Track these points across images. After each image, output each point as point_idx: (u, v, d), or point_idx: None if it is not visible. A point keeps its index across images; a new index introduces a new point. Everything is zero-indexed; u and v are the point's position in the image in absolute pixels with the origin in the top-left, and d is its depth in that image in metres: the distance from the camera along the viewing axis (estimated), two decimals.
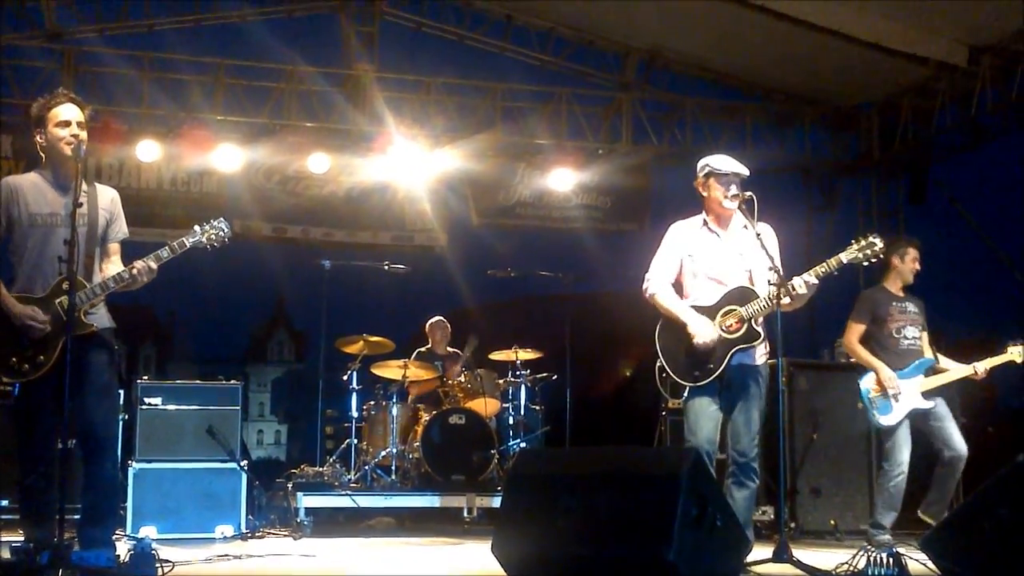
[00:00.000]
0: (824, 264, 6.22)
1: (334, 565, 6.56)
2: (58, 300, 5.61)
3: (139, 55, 12.13)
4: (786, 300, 6.13)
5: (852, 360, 8.16)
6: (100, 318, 5.80)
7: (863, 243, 6.26)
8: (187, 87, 12.21)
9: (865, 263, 6.31)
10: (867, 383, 7.86)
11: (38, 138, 5.80)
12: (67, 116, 5.76)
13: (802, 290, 6.13)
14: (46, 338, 5.60)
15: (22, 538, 5.66)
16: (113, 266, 5.83)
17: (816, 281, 6.18)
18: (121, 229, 5.96)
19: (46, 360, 5.58)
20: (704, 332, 6.17)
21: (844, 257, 6.24)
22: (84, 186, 5.77)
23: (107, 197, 5.86)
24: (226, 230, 5.92)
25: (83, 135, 5.76)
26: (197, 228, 5.85)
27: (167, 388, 8.98)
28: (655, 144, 13.24)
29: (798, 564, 5.64)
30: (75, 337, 5.49)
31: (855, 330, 7.98)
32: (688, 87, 13.71)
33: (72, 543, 4.89)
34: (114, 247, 5.91)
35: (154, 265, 5.73)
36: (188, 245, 5.81)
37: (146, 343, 78.39)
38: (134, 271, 5.69)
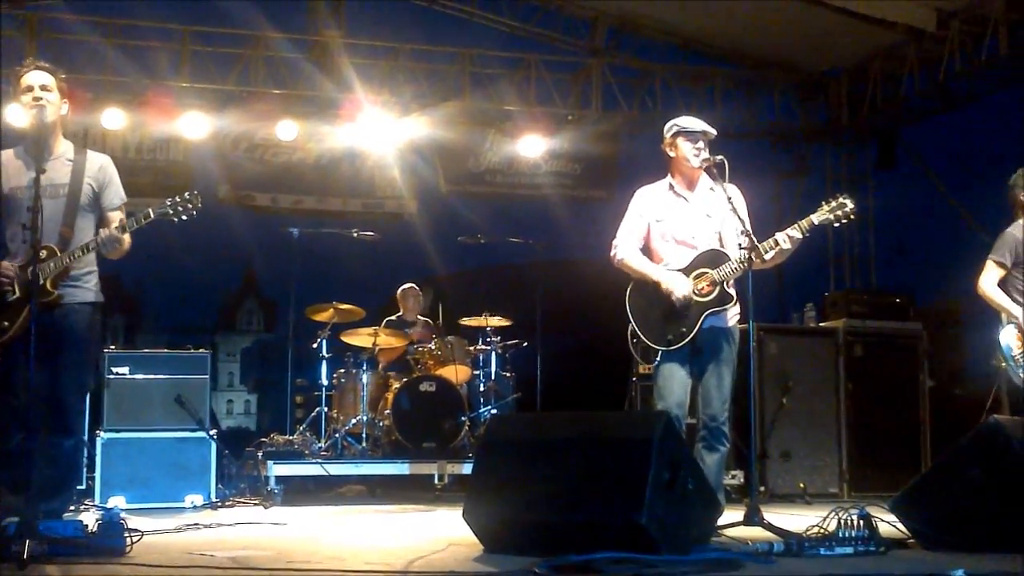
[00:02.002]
0: (796, 225, 6.21)
1: (305, 533, 6.54)
2: (30, 269, 5.57)
3: (104, 21, 11.95)
4: (769, 255, 6.13)
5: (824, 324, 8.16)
6: (81, 292, 5.75)
7: (834, 204, 6.25)
8: (153, 54, 12.06)
9: (836, 224, 6.30)
10: (1008, 337, 7.01)
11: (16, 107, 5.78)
12: (30, 81, 5.75)
13: (786, 245, 6.14)
14: (12, 305, 5.56)
15: None
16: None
17: (800, 236, 6.18)
18: (116, 195, 5.92)
19: (10, 326, 5.56)
20: (680, 286, 6.16)
21: (815, 218, 6.22)
22: (71, 154, 5.75)
23: (95, 164, 5.82)
24: (196, 203, 5.89)
25: (49, 98, 5.71)
26: (167, 201, 5.83)
27: (135, 357, 8.91)
28: (625, 110, 13.19)
29: (769, 527, 5.65)
30: (41, 305, 5.45)
31: (993, 272, 7.17)
32: (658, 53, 13.66)
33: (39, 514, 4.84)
34: (114, 215, 5.87)
35: (117, 234, 5.69)
36: (153, 216, 5.79)
37: (114, 313, 77.86)
38: (98, 240, 5.66)
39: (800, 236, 6.20)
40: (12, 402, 5.72)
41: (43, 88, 5.72)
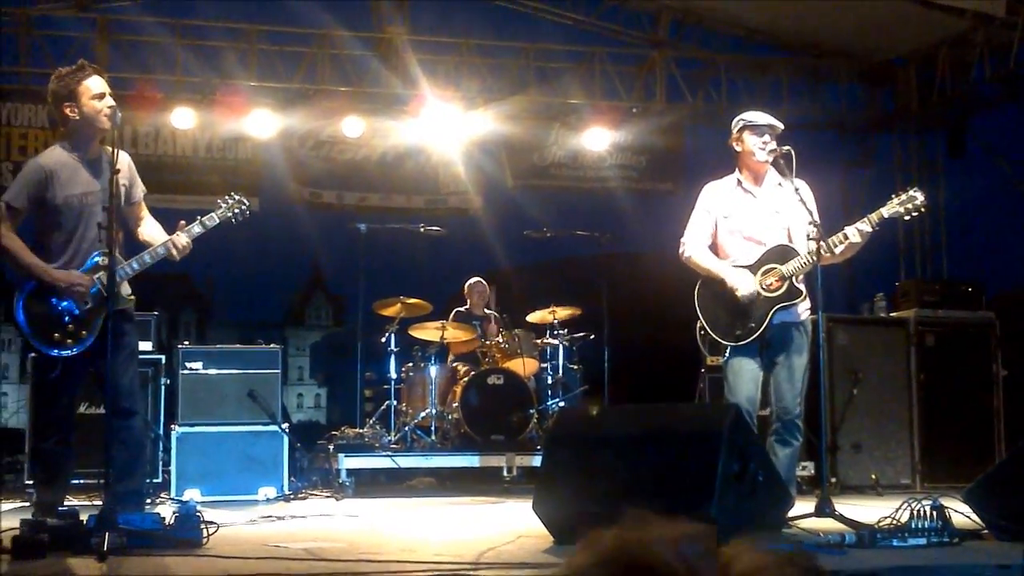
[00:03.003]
0: (866, 219, 6.17)
1: (376, 525, 6.61)
2: (97, 276, 5.70)
3: (172, 22, 12.14)
4: (839, 249, 6.11)
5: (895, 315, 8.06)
6: (125, 286, 5.92)
7: (903, 197, 6.19)
8: (221, 53, 12.23)
9: (906, 217, 6.25)
10: None
11: (68, 112, 5.82)
12: (101, 88, 5.82)
13: (855, 239, 6.11)
14: (87, 314, 5.68)
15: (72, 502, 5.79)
16: (148, 225, 5.97)
17: (870, 229, 6.14)
18: (140, 189, 6.07)
19: (88, 335, 5.69)
20: (745, 284, 6.16)
21: (885, 211, 6.17)
22: (107, 157, 5.84)
23: (124, 163, 5.91)
24: (247, 203, 6.05)
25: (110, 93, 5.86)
26: (222, 203, 5.96)
27: (208, 353, 9.05)
28: (689, 102, 13.15)
29: (840, 518, 5.63)
30: (114, 311, 5.58)
31: None
32: (721, 44, 13.58)
33: (116, 507, 4.94)
34: (140, 208, 6.02)
35: (188, 240, 5.84)
36: (218, 220, 5.95)
37: (185, 310, 79.04)
38: (173, 249, 5.79)
39: (870, 230, 6.15)
40: (53, 406, 5.88)
41: (104, 98, 5.82)
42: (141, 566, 4.40)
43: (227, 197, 6.03)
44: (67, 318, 5.68)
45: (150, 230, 6.03)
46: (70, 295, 5.66)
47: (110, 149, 5.57)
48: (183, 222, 5.92)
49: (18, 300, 5.68)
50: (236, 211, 6.01)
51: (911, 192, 6.19)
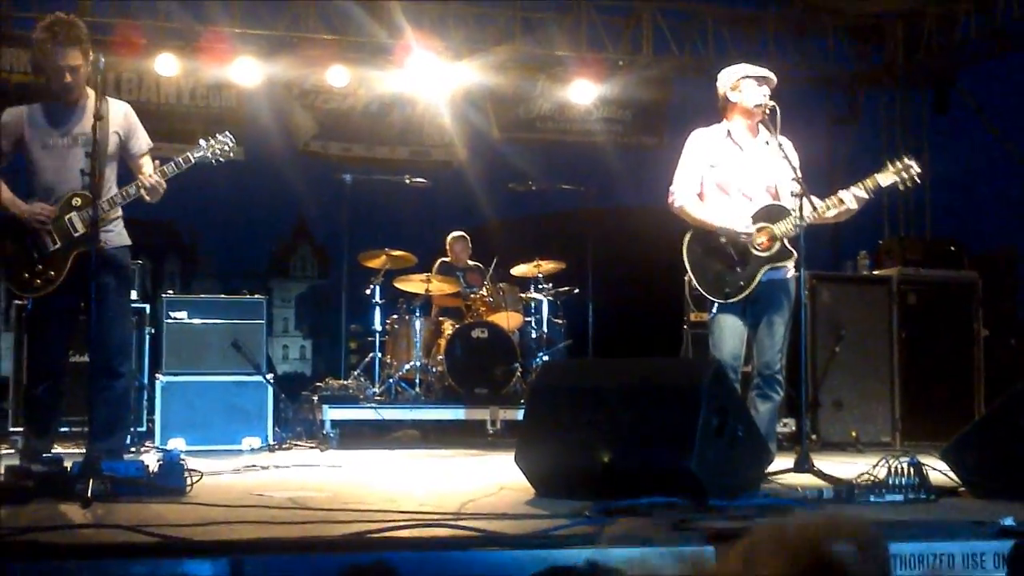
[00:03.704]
0: (861, 184, 6.20)
1: (360, 476, 6.65)
2: (67, 216, 5.71)
3: None
4: (831, 212, 6.15)
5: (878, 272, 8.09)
6: (115, 236, 5.89)
7: (900, 165, 6.20)
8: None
9: (901, 187, 6.27)
10: None
11: (43, 61, 5.84)
12: (63, 63, 5.78)
13: (852, 205, 6.15)
14: (56, 253, 5.71)
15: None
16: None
17: (866, 196, 6.18)
18: (144, 141, 6.02)
19: (56, 275, 5.73)
20: (743, 225, 6.16)
21: (881, 180, 6.20)
22: (92, 103, 5.83)
23: (120, 113, 5.90)
24: (231, 144, 6.03)
25: (77, 80, 5.79)
26: (202, 142, 5.96)
27: (192, 303, 9.07)
28: (676, 55, 13.08)
29: (819, 474, 5.70)
30: (86, 253, 5.60)
31: None
32: None
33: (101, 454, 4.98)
34: (143, 161, 5.98)
35: (160, 180, 5.81)
36: (193, 160, 5.94)
37: (170, 259, 78.85)
38: (143, 189, 5.78)
39: (866, 196, 6.20)
40: (41, 352, 5.91)
41: (72, 70, 5.79)
42: (125, 512, 4.42)
43: (208, 137, 6.01)
44: (36, 256, 5.71)
45: None
46: (34, 228, 5.68)
47: (112, 102, 5.68)
48: (158, 162, 5.91)
49: None
50: (217, 150, 5.99)
51: (907, 161, 6.21)
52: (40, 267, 5.74)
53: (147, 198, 5.86)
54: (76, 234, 5.77)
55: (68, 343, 6.13)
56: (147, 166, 5.99)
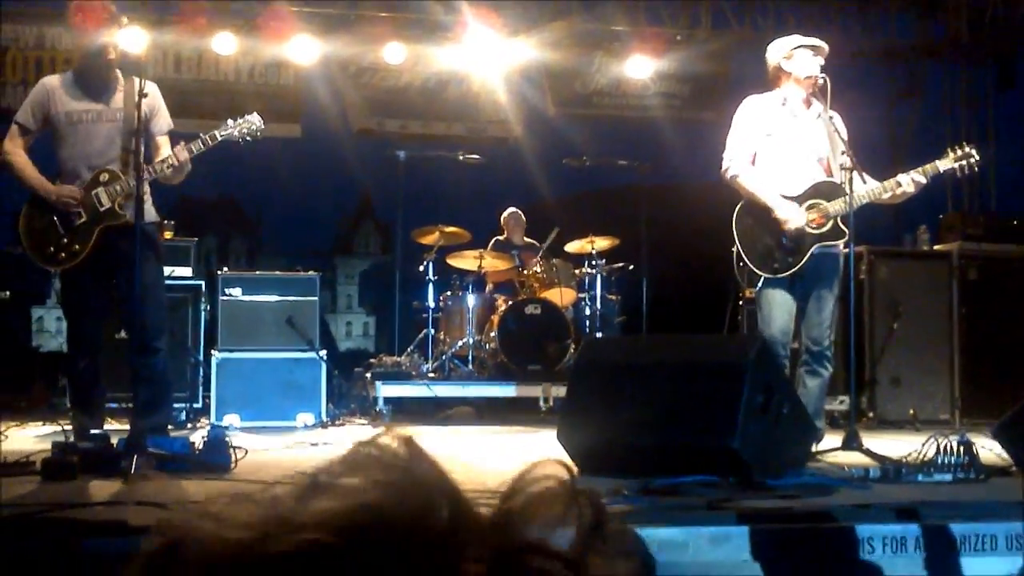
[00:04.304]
0: (920, 169, 6.14)
1: None
2: (94, 191, 5.79)
3: None
4: (887, 195, 6.09)
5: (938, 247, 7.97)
6: (145, 212, 5.95)
7: (960, 153, 6.17)
8: None
9: (959, 173, 6.21)
10: None
11: (79, 38, 5.97)
12: (110, 50, 5.94)
13: (909, 188, 6.11)
14: (81, 227, 5.79)
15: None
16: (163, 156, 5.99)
17: (924, 181, 6.12)
18: (165, 121, 6.08)
19: (81, 249, 5.81)
20: (794, 218, 6.10)
21: (941, 165, 6.18)
22: (122, 80, 5.92)
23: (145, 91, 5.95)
24: (258, 123, 6.05)
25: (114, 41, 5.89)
26: (229, 121, 6.00)
27: (247, 279, 9.13)
28: (736, 29, 12.92)
29: (867, 452, 5.63)
30: (114, 228, 5.70)
31: None
32: None
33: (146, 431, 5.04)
34: (162, 140, 6.04)
35: (187, 156, 5.87)
36: (220, 138, 5.99)
37: (236, 237, 79.80)
38: (166, 163, 5.83)
39: (924, 181, 6.15)
40: (77, 330, 6.00)
41: (109, 48, 5.89)
42: (161, 488, 4.46)
43: (236, 117, 6.06)
44: (61, 230, 5.80)
45: None
46: (61, 206, 5.76)
47: (127, 80, 5.76)
48: (182, 142, 5.97)
49: (22, 214, 5.86)
50: (244, 130, 6.03)
51: (968, 149, 6.22)
52: (65, 240, 5.83)
53: (170, 175, 5.91)
54: (102, 208, 5.85)
55: (102, 319, 6.21)
56: (165, 146, 6.04)
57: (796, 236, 6.11)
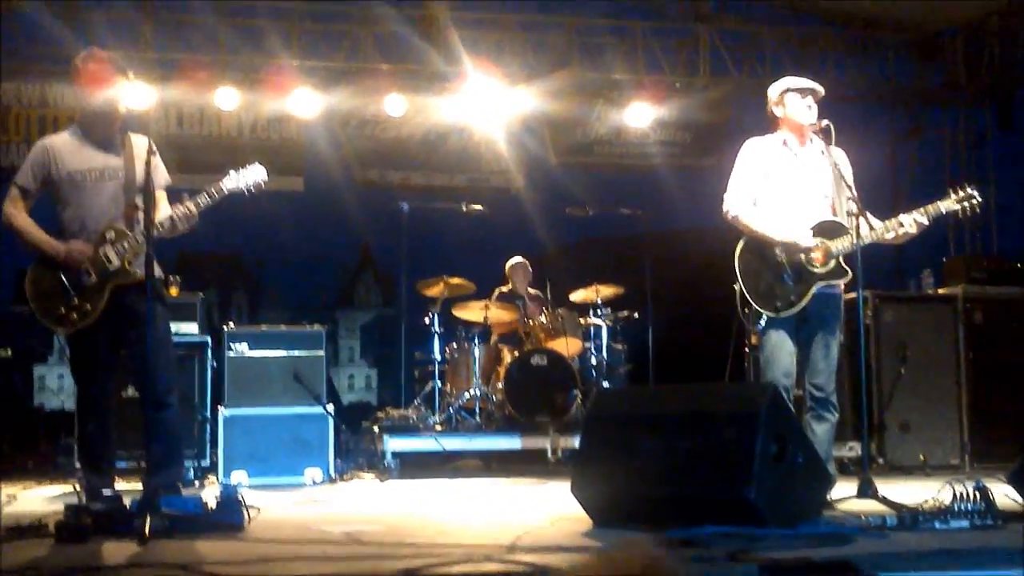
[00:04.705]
0: (923, 210, 6.15)
1: (418, 507, 6.63)
2: (102, 249, 5.79)
3: (217, 3, 12.16)
4: (890, 235, 6.10)
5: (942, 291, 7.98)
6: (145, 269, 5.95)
7: (962, 194, 6.20)
8: (264, 32, 12.20)
9: (962, 215, 6.23)
10: None
11: (78, 93, 6.01)
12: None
13: (911, 229, 6.12)
14: (92, 287, 5.78)
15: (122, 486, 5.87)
16: (162, 213, 5.97)
17: (926, 222, 6.14)
18: (163, 176, 6.08)
19: (93, 309, 5.79)
20: (804, 237, 6.11)
21: (943, 206, 6.19)
22: (119, 137, 5.94)
23: (141, 147, 5.95)
24: (262, 174, 6.04)
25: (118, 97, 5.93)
26: (232, 173, 5.98)
27: (253, 334, 9.10)
28: (734, 76, 12.99)
29: (883, 500, 5.59)
30: (123, 286, 5.70)
31: None
32: (766, 16, 13.39)
33: (159, 490, 5.00)
34: (160, 195, 6.02)
35: (194, 210, 5.87)
36: (225, 191, 5.97)
37: (237, 291, 79.86)
38: (174, 217, 5.83)
39: (926, 222, 6.16)
40: (87, 391, 5.97)
41: (112, 105, 5.97)
42: (178, 550, 4.42)
43: (237, 168, 6.05)
44: (72, 291, 5.78)
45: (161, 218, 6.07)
46: (70, 265, 5.75)
47: (133, 136, 5.80)
48: (185, 196, 5.97)
49: (28, 276, 5.84)
50: (248, 181, 6.02)
51: (970, 191, 6.23)
52: (76, 301, 5.81)
53: (178, 229, 5.90)
54: (111, 267, 5.85)
55: (112, 379, 6.20)
56: (163, 201, 6.04)
57: (799, 269, 6.10)
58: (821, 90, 6.31)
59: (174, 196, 6.11)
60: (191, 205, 5.89)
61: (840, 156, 6.24)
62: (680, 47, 13.09)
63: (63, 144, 6.05)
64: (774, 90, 6.39)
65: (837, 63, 13.23)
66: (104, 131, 6.02)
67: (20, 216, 5.97)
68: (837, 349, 6.23)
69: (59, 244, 5.87)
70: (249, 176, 6.02)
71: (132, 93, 6.09)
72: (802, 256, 6.13)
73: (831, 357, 6.19)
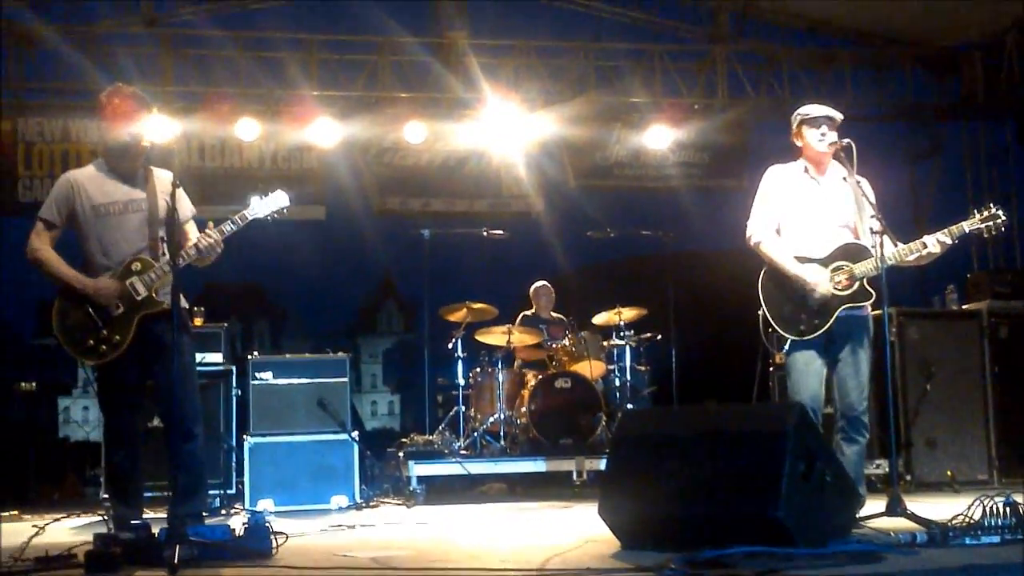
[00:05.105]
0: (947, 230, 6.14)
1: (445, 532, 6.62)
2: (129, 281, 5.83)
3: (236, 35, 12.27)
4: (912, 257, 6.08)
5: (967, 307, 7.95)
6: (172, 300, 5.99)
7: (987, 214, 6.18)
8: (284, 64, 12.31)
9: (986, 234, 6.21)
10: None
11: (103, 128, 6.10)
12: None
13: (935, 249, 6.11)
14: (119, 318, 5.82)
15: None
16: (189, 243, 6.01)
17: (950, 242, 6.12)
18: (188, 208, 6.13)
19: (122, 340, 5.83)
20: (821, 284, 6.11)
21: (967, 226, 6.17)
22: (144, 172, 6.01)
23: (165, 181, 5.99)
24: (284, 200, 6.08)
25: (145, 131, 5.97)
26: (255, 200, 6.02)
27: (277, 363, 9.14)
28: (752, 97, 13.02)
29: (912, 517, 5.55)
30: (151, 315, 5.74)
31: None
32: (783, 37, 13.43)
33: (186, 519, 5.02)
34: (188, 227, 6.08)
35: (218, 238, 5.90)
36: (249, 218, 6.03)
37: (259, 320, 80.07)
38: (200, 247, 5.86)
39: (950, 242, 6.14)
40: (115, 421, 6.01)
41: (136, 139, 6.02)
42: None
43: (261, 195, 6.09)
44: (100, 323, 5.82)
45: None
46: (97, 299, 5.79)
47: (157, 171, 5.86)
48: (211, 224, 6.00)
49: (55, 308, 5.88)
50: (271, 207, 6.06)
51: (995, 210, 6.21)
52: (105, 333, 5.85)
53: (203, 258, 5.94)
54: (139, 297, 5.89)
55: (139, 409, 6.24)
56: (192, 231, 6.09)
57: (823, 301, 6.11)
58: (837, 116, 6.29)
59: (198, 227, 6.16)
60: (216, 233, 5.93)
61: (863, 183, 6.24)
62: (698, 69, 13.14)
63: (87, 178, 6.10)
64: (793, 120, 6.41)
65: (855, 81, 13.24)
66: (128, 165, 6.07)
67: (45, 250, 6.02)
68: (868, 368, 6.21)
69: (87, 280, 5.90)
70: (272, 203, 6.06)
71: (155, 127, 6.13)
72: (819, 296, 6.13)
73: (861, 376, 6.17)
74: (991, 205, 6.26)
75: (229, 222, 5.99)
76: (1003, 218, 6.17)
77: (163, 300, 5.89)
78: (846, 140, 6.17)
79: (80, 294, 5.87)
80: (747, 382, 9.17)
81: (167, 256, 5.88)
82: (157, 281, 5.90)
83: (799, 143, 6.38)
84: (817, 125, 6.25)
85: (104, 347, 5.86)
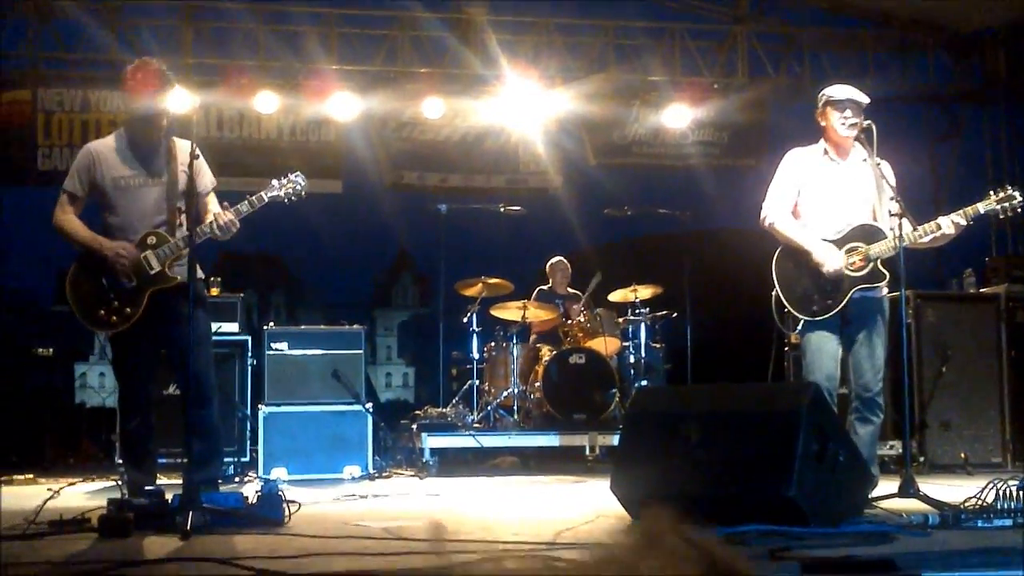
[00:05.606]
0: (961, 211, 6.11)
1: (457, 504, 6.65)
2: (144, 255, 5.86)
3: (255, 8, 12.26)
4: (927, 239, 6.06)
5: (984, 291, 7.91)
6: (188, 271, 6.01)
7: (1002, 195, 6.13)
8: (303, 38, 12.31)
9: (1001, 216, 6.17)
10: None
11: (126, 100, 6.16)
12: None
13: (949, 230, 6.08)
14: (133, 290, 5.85)
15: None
16: (210, 215, 6.02)
17: (965, 223, 6.09)
18: (209, 179, 6.16)
19: (133, 312, 5.87)
20: (832, 260, 6.10)
21: (982, 207, 6.13)
22: (165, 142, 6.03)
23: (185, 152, 6.00)
24: (302, 184, 6.09)
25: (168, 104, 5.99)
26: (275, 182, 6.05)
27: (293, 334, 9.19)
28: (772, 77, 12.97)
29: (925, 498, 5.55)
30: (163, 289, 5.76)
31: None
32: (804, 17, 13.35)
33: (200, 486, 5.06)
34: (208, 199, 6.11)
35: (234, 218, 5.92)
36: (266, 199, 6.06)
37: (276, 291, 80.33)
38: (215, 225, 5.88)
39: (965, 223, 6.12)
40: (128, 389, 6.06)
41: (161, 113, 6.06)
42: (220, 544, 4.48)
43: (280, 177, 6.11)
44: (112, 294, 5.86)
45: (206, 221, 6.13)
46: (114, 265, 5.82)
47: (178, 140, 5.87)
48: (226, 204, 6.02)
49: (68, 278, 5.92)
50: (289, 189, 6.08)
51: (1010, 191, 6.15)
52: (116, 304, 5.89)
53: (219, 235, 5.95)
54: (152, 271, 5.92)
55: (153, 377, 6.29)
56: (212, 203, 6.12)
57: (835, 278, 6.11)
58: (863, 100, 6.24)
59: (218, 201, 6.18)
60: (232, 213, 5.95)
61: (884, 165, 6.22)
62: (718, 48, 13.09)
63: (108, 150, 6.12)
64: (819, 99, 6.38)
65: (876, 63, 13.17)
66: (149, 137, 6.09)
67: (69, 219, 6.06)
68: (883, 350, 6.21)
69: (105, 241, 5.95)
70: (290, 185, 6.08)
71: (177, 99, 6.14)
72: (841, 263, 6.11)
73: (876, 357, 6.17)
74: (1007, 186, 6.22)
75: (246, 203, 6.00)
76: (1019, 199, 6.12)
77: (176, 275, 5.93)
78: (867, 122, 6.16)
79: (98, 259, 5.90)
80: (762, 362, 9.16)
81: (184, 229, 5.91)
82: (171, 256, 5.93)
83: (823, 123, 6.35)
84: (842, 108, 6.22)
85: (115, 318, 5.90)
